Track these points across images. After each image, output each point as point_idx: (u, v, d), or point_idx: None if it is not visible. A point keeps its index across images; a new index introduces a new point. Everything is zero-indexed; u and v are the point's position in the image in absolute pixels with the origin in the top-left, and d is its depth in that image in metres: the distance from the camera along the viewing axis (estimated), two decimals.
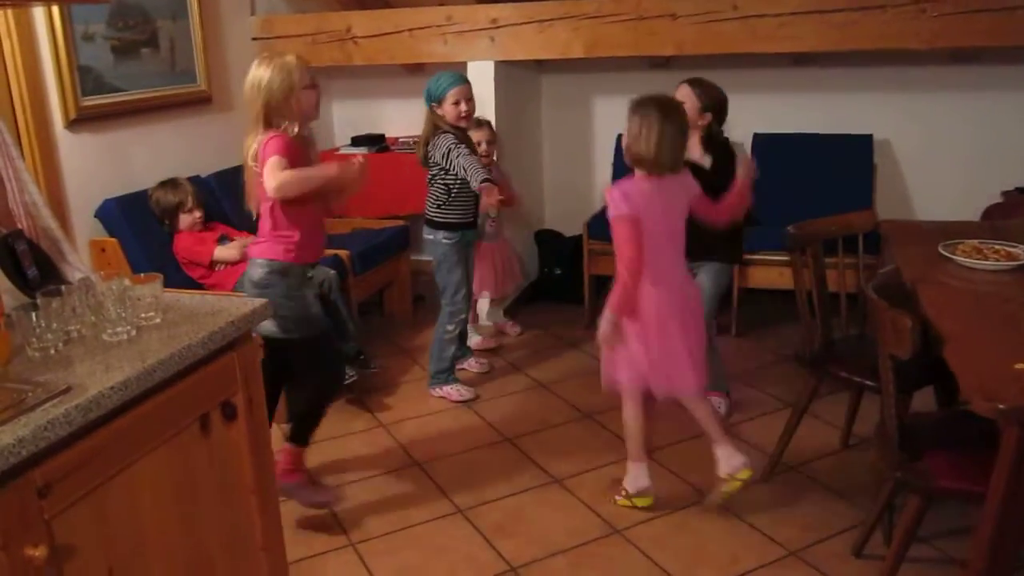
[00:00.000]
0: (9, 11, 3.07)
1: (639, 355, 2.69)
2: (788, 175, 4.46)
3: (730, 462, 2.74)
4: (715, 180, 2.99)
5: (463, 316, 3.72)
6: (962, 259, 2.46)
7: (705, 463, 3.08)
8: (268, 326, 2.63)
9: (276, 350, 2.75)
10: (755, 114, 4.65)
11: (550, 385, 3.84)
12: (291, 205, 2.59)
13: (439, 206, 3.54)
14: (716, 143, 3.22)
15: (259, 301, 1.86)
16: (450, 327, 3.67)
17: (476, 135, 3.82)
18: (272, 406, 2.85)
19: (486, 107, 4.33)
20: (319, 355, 2.80)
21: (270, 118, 2.56)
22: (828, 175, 4.41)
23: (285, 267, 2.64)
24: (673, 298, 2.67)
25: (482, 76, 4.30)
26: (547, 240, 4.96)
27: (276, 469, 2.56)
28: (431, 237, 3.60)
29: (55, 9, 3.29)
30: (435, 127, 3.44)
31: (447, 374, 3.73)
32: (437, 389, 3.73)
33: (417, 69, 4.99)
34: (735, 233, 3.22)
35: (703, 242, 3.00)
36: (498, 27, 4.23)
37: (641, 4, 4.02)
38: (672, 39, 3.99)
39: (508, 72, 4.46)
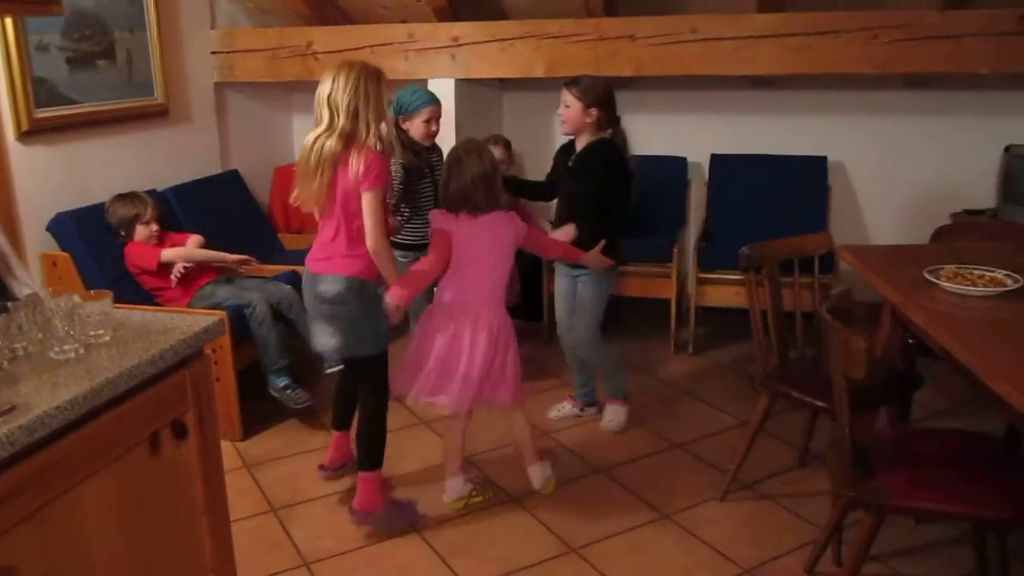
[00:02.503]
0: None
1: (415, 362, 2.82)
2: (744, 195, 4.54)
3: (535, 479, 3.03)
4: (576, 185, 3.21)
5: None
6: (950, 285, 2.45)
7: (661, 480, 3.11)
8: (327, 344, 2.72)
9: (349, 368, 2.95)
10: (713, 135, 4.73)
11: None
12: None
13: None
14: (607, 151, 3.20)
15: (211, 319, 1.83)
16: None
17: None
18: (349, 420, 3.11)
19: (447, 124, 4.32)
20: (383, 372, 2.79)
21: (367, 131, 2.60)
22: (783, 196, 4.48)
23: (363, 284, 2.66)
24: (467, 319, 2.78)
25: (443, 93, 4.29)
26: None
27: (358, 503, 2.81)
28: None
29: (8, 20, 3.23)
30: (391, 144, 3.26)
31: None
32: None
33: None
34: (611, 241, 3.20)
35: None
36: (460, 45, 4.24)
37: (602, 25, 4.07)
38: (631, 60, 4.04)
39: (469, 90, 4.47)
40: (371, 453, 2.81)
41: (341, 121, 2.55)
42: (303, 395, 3.50)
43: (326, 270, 2.66)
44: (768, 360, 2.85)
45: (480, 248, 2.77)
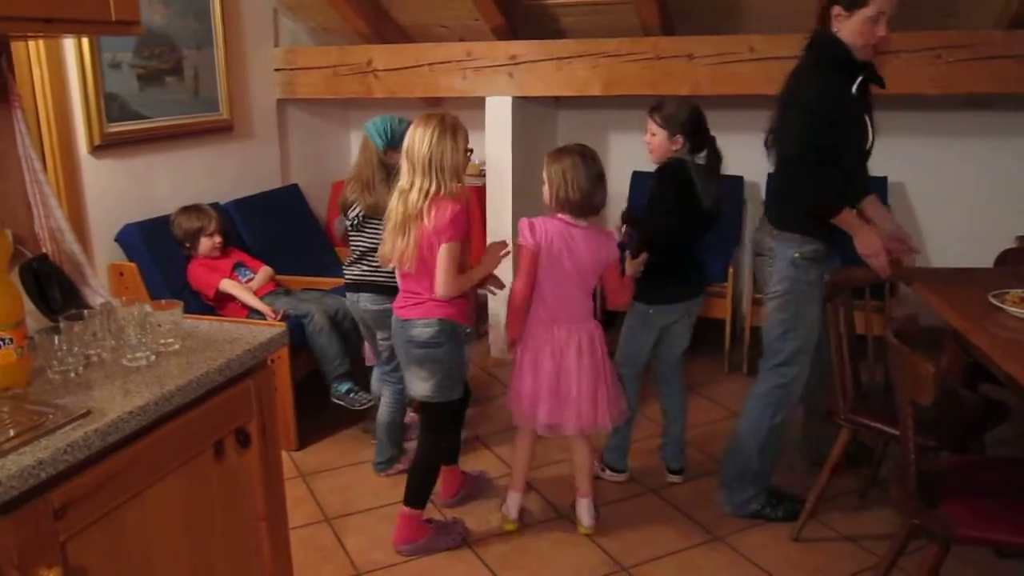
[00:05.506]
0: (40, 41, 3.14)
1: (529, 386, 2.78)
2: None
3: (585, 516, 2.94)
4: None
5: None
6: (1016, 310, 2.37)
7: (713, 502, 3.08)
8: (423, 389, 2.69)
9: (431, 415, 2.80)
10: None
11: None
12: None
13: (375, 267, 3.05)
14: (668, 171, 3.01)
15: (275, 330, 1.87)
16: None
17: None
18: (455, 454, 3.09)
19: (504, 142, 4.38)
20: (456, 417, 2.90)
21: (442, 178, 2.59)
22: None
23: (454, 326, 2.67)
24: (569, 336, 2.75)
25: (500, 111, 4.35)
26: None
27: (397, 538, 2.82)
28: (379, 308, 3.12)
29: (84, 38, 3.35)
30: (372, 179, 3.09)
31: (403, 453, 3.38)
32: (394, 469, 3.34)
33: (436, 103, 5.06)
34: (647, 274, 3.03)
35: None
36: (517, 63, 4.28)
37: (659, 44, 4.07)
38: (688, 79, 4.04)
39: (525, 107, 4.50)
40: (420, 493, 2.81)
41: (419, 176, 2.58)
42: (365, 396, 3.55)
43: (417, 315, 2.66)
44: (845, 391, 2.73)
45: (576, 261, 2.73)
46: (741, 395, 4.02)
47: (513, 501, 2.97)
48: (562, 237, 2.72)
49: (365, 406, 3.55)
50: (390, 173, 3.02)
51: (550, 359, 2.75)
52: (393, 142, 3.05)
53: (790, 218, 2.81)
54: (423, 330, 2.64)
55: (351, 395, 3.56)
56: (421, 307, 2.66)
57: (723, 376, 4.33)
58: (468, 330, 2.78)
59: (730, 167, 4.74)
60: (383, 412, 3.27)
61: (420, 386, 2.70)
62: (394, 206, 2.63)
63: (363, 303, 3.17)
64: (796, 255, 2.78)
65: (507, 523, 2.95)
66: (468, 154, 2.69)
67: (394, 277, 2.86)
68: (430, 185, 2.57)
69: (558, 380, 2.75)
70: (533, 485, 3.23)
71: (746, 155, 4.73)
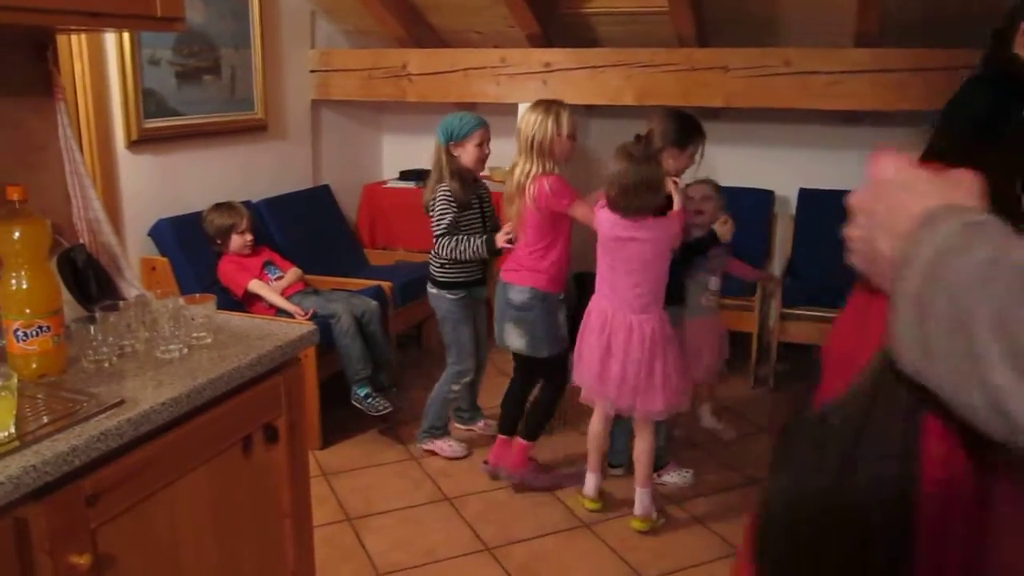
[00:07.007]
0: (83, 35, 3.19)
1: (583, 359, 2.91)
2: (832, 232, 4.41)
3: (636, 506, 3.00)
4: None
5: (469, 377, 3.48)
6: None
7: (736, 515, 3.06)
8: (518, 343, 3.13)
9: (524, 366, 3.24)
10: (801, 169, 4.66)
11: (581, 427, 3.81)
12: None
13: (443, 265, 3.30)
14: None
15: (307, 327, 1.89)
16: (455, 387, 3.45)
17: (695, 190, 3.34)
18: (518, 418, 3.28)
19: None
20: (559, 370, 3.16)
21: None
22: None
23: (545, 294, 3.07)
24: (622, 324, 2.80)
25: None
26: (590, 281, 4.95)
27: (509, 465, 3.23)
28: (434, 292, 3.37)
29: (125, 34, 3.40)
30: (440, 174, 3.22)
31: (441, 430, 3.54)
32: (428, 443, 3.52)
33: (469, 108, 5.06)
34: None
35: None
36: (551, 71, 4.29)
37: (693, 55, 4.06)
38: (722, 91, 4.02)
39: None
40: (533, 428, 3.22)
41: (523, 156, 3.00)
42: (383, 403, 3.58)
43: (514, 280, 3.09)
44: None
45: (627, 254, 2.80)
46: (767, 410, 4.01)
47: (591, 481, 3.06)
48: (613, 229, 2.81)
49: (381, 413, 3.57)
50: (455, 169, 3.22)
51: (598, 337, 2.82)
52: (453, 137, 3.22)
53: None
54: (517, 295, 3.07)
55: (369, 400, 3.58)
56: (518, 273, 3.08)
57: (749, 390, 4.30)
58: (560, 296, 3.12)
59: (760, 181, 4.76)
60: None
61: (516, 341, 3.13)
62: (508, 182, 3.08)
63: None
64: None
65: (588, 501, 3.07)
66: (571, 140, 3.02)
67: (441, 270, 3.30)
68: (531, 166, 2.97)
69: (605, 358, 2.81)
70: (557, 495, 3.22)
71: (778, 169, 4.74)
